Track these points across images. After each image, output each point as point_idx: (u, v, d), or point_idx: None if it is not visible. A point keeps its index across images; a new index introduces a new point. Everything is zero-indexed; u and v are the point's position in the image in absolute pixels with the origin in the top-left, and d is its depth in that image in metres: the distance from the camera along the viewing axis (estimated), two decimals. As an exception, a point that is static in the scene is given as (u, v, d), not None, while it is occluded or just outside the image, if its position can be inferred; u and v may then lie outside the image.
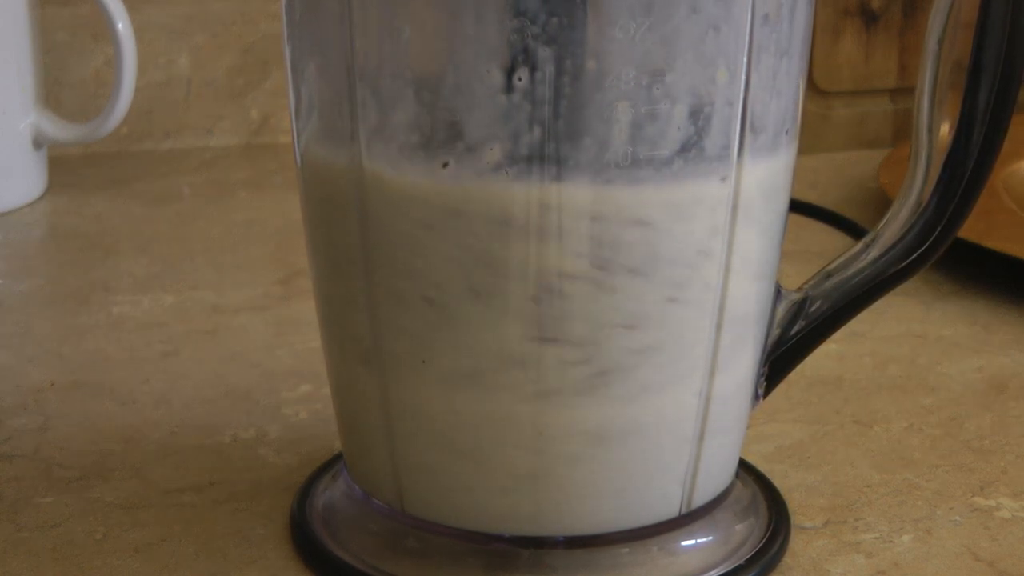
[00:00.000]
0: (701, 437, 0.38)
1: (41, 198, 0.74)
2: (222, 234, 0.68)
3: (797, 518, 0.42)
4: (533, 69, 0.33)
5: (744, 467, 0.42)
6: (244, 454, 0.46)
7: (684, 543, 0.38)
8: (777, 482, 0.44)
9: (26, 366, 0.53)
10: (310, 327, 0.42)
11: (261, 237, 0.68)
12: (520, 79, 0.33)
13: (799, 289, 0.40)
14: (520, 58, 0.33)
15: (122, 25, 0.71)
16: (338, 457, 0.42)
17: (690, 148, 0.34)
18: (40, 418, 0.48)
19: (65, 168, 0.78)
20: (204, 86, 0.83)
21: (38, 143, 0.73)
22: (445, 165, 0.34)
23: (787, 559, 0.40)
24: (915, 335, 0.56)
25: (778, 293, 0.39)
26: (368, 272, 0.36)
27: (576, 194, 0.34)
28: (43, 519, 0.42)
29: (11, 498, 0.43)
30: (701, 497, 0.39)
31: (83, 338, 0.55)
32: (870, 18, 0.81)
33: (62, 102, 0.80)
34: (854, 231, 0.68)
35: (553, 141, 0.33)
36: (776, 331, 0.40)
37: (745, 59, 0.34)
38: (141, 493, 0.43)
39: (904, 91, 0.83)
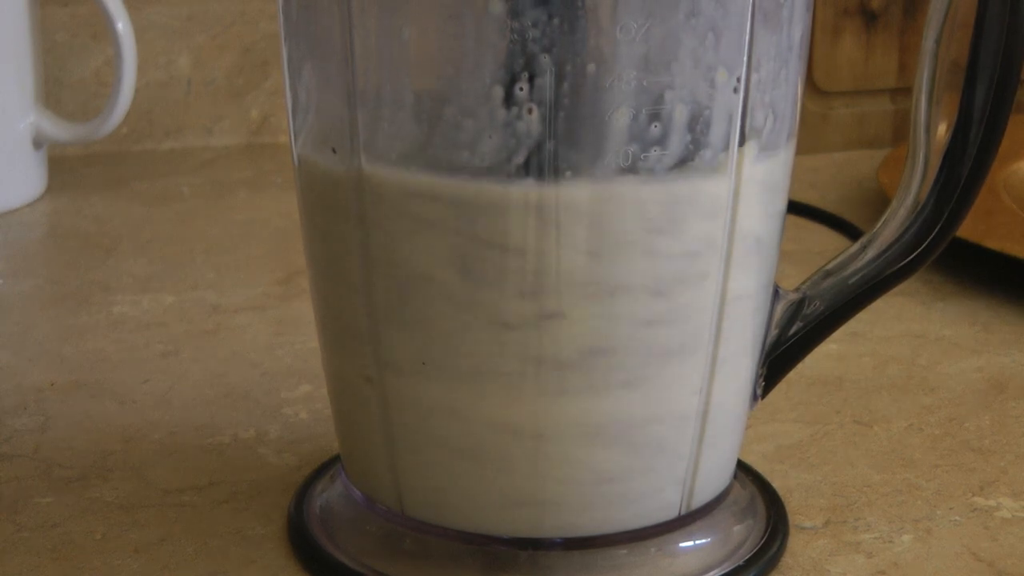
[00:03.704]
0: (700, 438, 0.38)
1: (41, 198, 0.74)
2: (222, 234, 0.68)
3: (797, 518, 0.42)
4: (533, 72, 0.33)
5: (742, 468, 0.42)
6: (244, 454, 0.46)
7: (683, 544, 0.38)
8: (777, 482, 0.44)
9: (26, 366, 0.53)
10: (310, 327, 0.42)
11: (261, 237, 0.68)
12: (520, 82, 0.33)
13: (797, 289, 0.40)
14: (520, 60, 0.33)
15: (122, 25, 0.71)
16: (336, 458, 0.42)
17: (690, 149, 0.34)
18: (40, 418, 0.48)
19: (65, 168, 0.78)
20: (204, 86, 0.83)
21: (38, 143, 0.73)
22: (444, 168, 0.34)
23: (787, 559, 0.40)
24: (915, 335, 0.56)
25: (776, 293, 0.39)
26: (367, 275, 0.36)
27: (576, 196, 0.34)
28: (43, 519, 0.42)
29: (11, 498, 0.43)
30: (700, 498, 0.39)
31: (83, 338, 0.55)
32: (870, 18, 0.81)
33: (62, 102, 0.80)
34: (854, 233, 0.68)
35: (553, 142, 0.33)
36: (774, 331, 0.40)
37: (745, 60, 0.34)
38: (141, 493, 0.43)
39: (904, 91, 0.83)
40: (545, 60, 0.33)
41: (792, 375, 0.41)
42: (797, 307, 0.40)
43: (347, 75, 0.35)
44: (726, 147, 0.35)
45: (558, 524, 0.37)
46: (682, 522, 0.38)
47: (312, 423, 0.48)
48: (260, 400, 0.50)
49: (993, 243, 0.60)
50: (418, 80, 0.34)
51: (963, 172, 0.37)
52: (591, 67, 0.33)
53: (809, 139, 0.81)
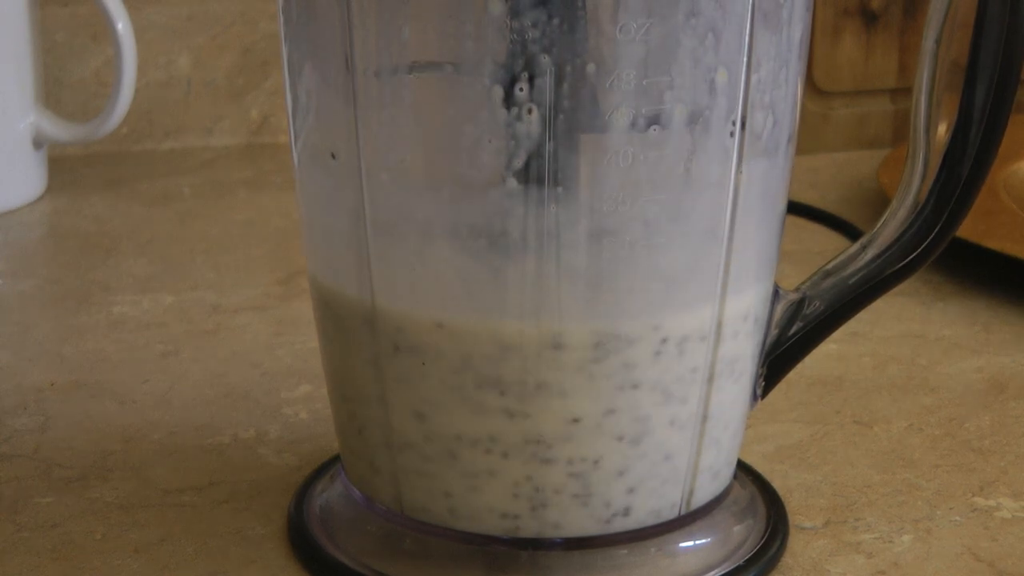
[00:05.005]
0: (700, 438, 0.38)
1: (41, 198, 0.74)
2: (222, 234, 0.68)
3: (797, 518, 0.42)
4: (532, 72, 0.33)
5: (742, 468, 0.42)
6: (244, 454, 0.46)
7: (683, 544, 0.38)
8: (777, 482, 0.44)
9: (26, 366, 0.53)
10: (310, 327, 0.42)
11: (261, 237, 0.68)
12: (520, 82, 0.33)
13: (797, 289, 0.40)
14: (520, 60, 0.33)
15: (122, 25, 0.71)
16: (336, 458, 0.42)
17: (689, 149, 0.34)
18: (40, 418, 0.48)
19: (65, 168, 0.78)
20: (204, 86, 0.83)
21: (38, 143, 0.73)
22: (445, 171, 0.34)
23: (787, 559, 0.40)
24: (915, 335, 0.56)
25: (776, 294, 0.39)
26: (371, 284, 0.36)
27: (575, 197, 0.34)
28: (43, 519, 0.42)
29: (11, 498, 0.43)
30: (700, 498, 0.39)
31: (83, 338, 0.55)
32: (870, 18, 0.81)
33: (62, 102, 0.80)
34: (854, 233, 0.68)
35: (552, 144, 0.33)
36: (774, 331, 0.40)
37: (745, 60, 0.34)
38: (141, 493, 0.43)
39: (904, 91, 0.83)
40: (545, 60, 0.33)
41: (792, 375, 0.41)
42: (797, 307, 0.40)
43: (347, 76, 0.35)
44: (726, 146, 0.35)
45: (558, 524, 0.37)
46: (682, 522, 0.38)
47: (312, 423, 0.48)
48: (260, 400, 0.50)
49: (993, 243, 0.60)
50: (417, 81, 0.34)
51: (963, 172, 0.37)
52: (591, 67, 0.33)
53: (809, 139, 0.81)
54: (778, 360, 0.40)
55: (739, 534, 0.40)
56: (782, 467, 0.45)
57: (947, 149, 0.37)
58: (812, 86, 0.81)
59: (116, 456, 0.46)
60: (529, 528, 0.37)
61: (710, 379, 0.37)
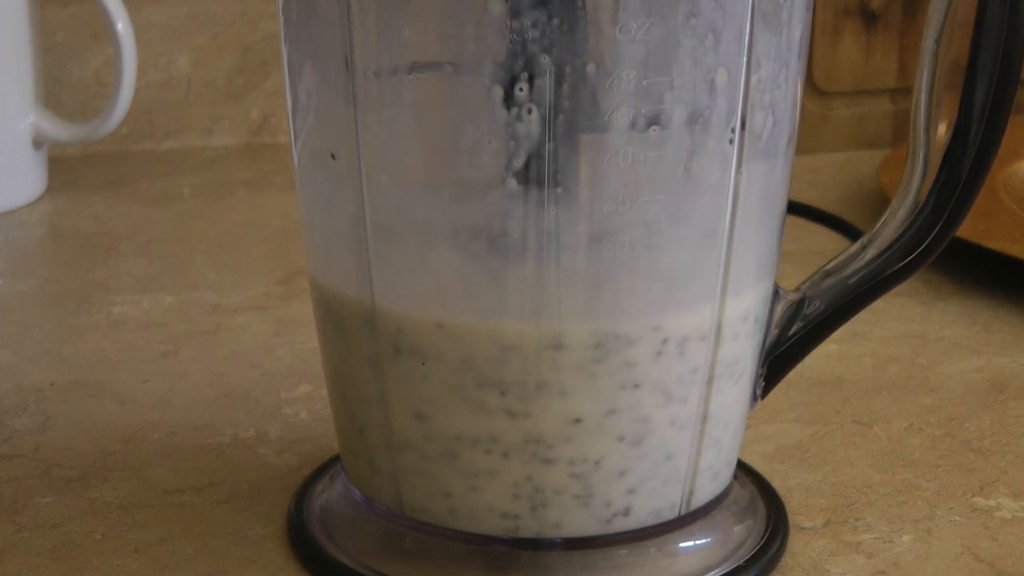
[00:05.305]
0: (700, 438, 0.38)
1: (41, 198, 0.74)
2: (222, 234, 0.68)
3: (797, 518, 0.42)
4: (532, 72, 0.33)
5: (742, 468, 0.43)
6: (244, 454, 0.46)
7: (683, 544, 0.38)
8: (777, 482, 0.44)
9: (26, 366, 0.53)
10: (310, 327, 0.42)
11: (261, 237, 0.68)
12: (520, 82, 0.33)
13: (797, 289, 0.40)
14: (520, 60, 0.33)
15: (122, 25, 0.71)
16: (336, 459, 0.42)
17: (689, 150, 0.34)
18: (40, 418, 0.48)
19: (65, 168, 0.78)
20: (204, 86, 0.83)
21: (38, 143, 0.73)
22: (445, 172, 0.34)
23: (787, 559, 0.40)
24: (915, 335, 0.56)
25: (776, 294, 0.39)
26: (372, 285, 0.36)
27: (575, 198, 0.34)
28: (43, 519, 0.42)
29: (11, 498, 0.43)
30: (700, 498, 0.39)
31: (83, 338, 0.55)
32: (870, 18, 0.81)
33: (62, 102, 0.80)
34: (854, 233, 0.68)
35: (552, 144, 0.33)
36: (774, 331, 0.40)
37: (744, 60, 0.34)
38: (141, 493, 0.43)
39: (904, 91, 0.83)
40: (545, 60, 0.33)
41: (792, 375, 0.41)
42: (797, 307, 0.40)
43: (347, 76, 0.35)
44: (726, 147, 0.35)
45: (558, 524, 0.37)
46: (682, 522, 0.38)
47: (312, 423, 0.48)
48: (260, 400, 0.50)
49: (993, 243, 0.60)
50: (417, 81, 0.34)
51: (963, 172, 0.37)
52: (591, 68, 0.33)
53: (809, 139, 0.81)
54: (778, 360, 0.40)
55: (739, 534, 0.40)
56: (782, 467, 0.45)
57: (947, 149, 0.37)
58: (812, 86, 0.81)
59: (116, 456, 0.46)
60: (529, 528, 0.37)
61: (710, 379, 0.37)
